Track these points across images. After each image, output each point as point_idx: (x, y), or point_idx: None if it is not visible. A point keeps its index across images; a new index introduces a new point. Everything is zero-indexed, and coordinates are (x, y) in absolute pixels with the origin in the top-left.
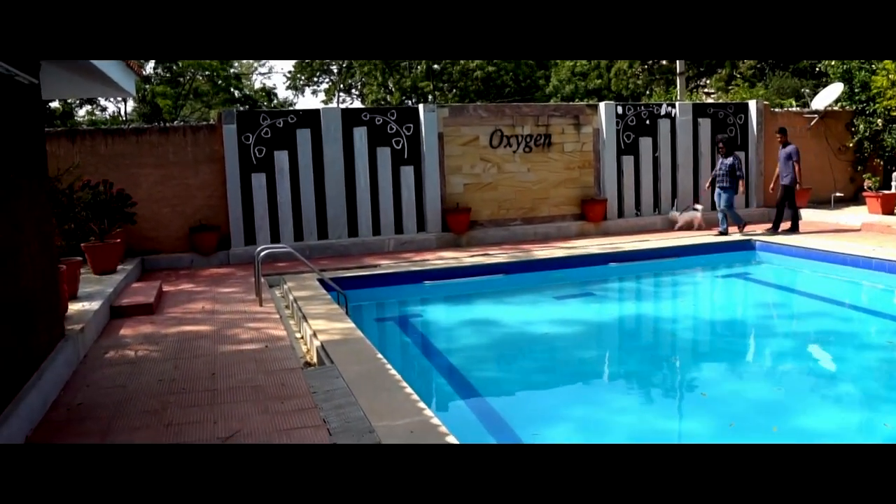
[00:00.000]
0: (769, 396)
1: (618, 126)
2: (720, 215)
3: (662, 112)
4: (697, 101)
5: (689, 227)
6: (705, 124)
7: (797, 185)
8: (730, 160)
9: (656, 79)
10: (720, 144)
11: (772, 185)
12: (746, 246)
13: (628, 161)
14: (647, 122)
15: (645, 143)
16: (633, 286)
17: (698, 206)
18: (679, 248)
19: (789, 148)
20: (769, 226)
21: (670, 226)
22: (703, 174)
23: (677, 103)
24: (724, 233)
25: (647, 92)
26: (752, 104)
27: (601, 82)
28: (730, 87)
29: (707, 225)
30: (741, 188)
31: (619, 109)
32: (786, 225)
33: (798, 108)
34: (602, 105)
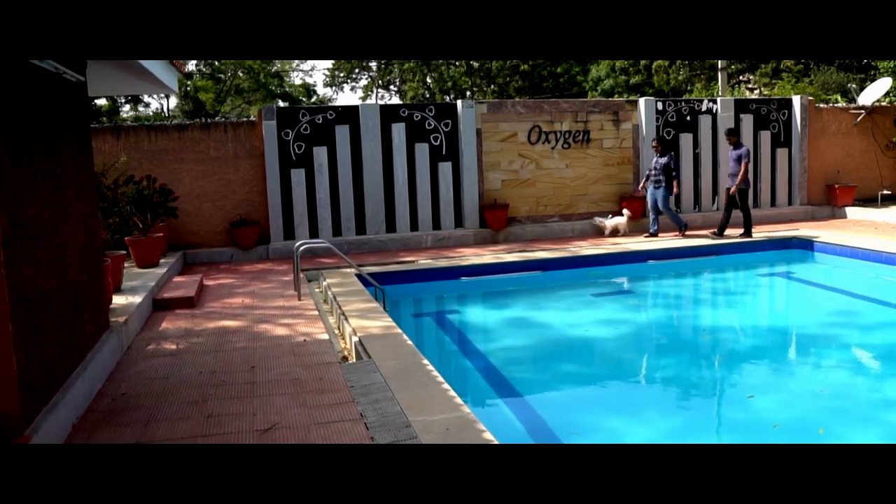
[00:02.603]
0: (815, 398)
1: (657, 122)
2: (651, 216)
3: (703, 108)
4: (739, 97)
5: (615, 233)
6: (747, 120)
7: (735, 186)
8: (664, 159)
9: (697, 74)
10: (654, 143)
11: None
12: (790, 244)
13: None
14: (688, 118)
15: (685, 140)
16: (672, 284)
17: (624, 212)
18: (720, 246)
19: (741, 150)
20: (816, 223)
21: (599, 233)
22: None
23: (719, 99)
24: (654, 235)
25: (688, 87)
26: (797, 100)
27: (640, 77)
28: (773, 83)
29: (634, 230)
30: (675, 188)
31: (659, 105)
32: (738, 229)
33: (844, 104)
34: (642, 101)
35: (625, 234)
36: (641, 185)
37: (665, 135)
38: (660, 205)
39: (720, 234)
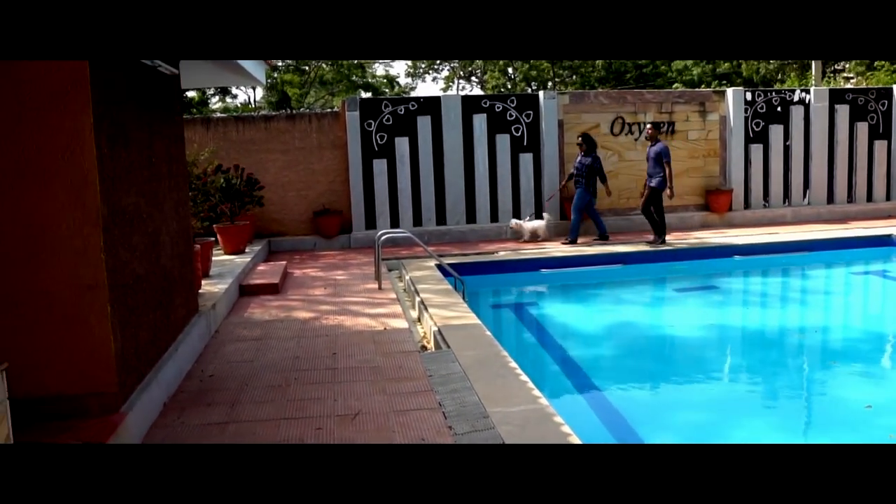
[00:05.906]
0: None
1: (746, 113)
2: (598, 220)
3: (795, 98)
4: (834, 87)
5: (534, 237)
6: (843, 111)
7: (668, 191)
8: (588, 159)
9: (789, 63)
10: (578, 140)
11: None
12: (885, 242)
13: (757, 150)
14: (779, 108)
15: (775, 131)
16: (759, 281)
17: (544, 215)
18: (810, 243)
19: (658, 146)
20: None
21: (515, 237)
22: (839, 164)
23: (812, 89)
24: (605, 238)
25: (780, 77)
26: None
27: (729, 66)
28: (869, 73)
29: (554, 234)
30: (608, 192)
31: (748, 96)
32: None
33: None
34: (729, 91)
35: (544, 240)
36: (563, 183)
37: (754, 126)
38: (573, 204)
39: (661, 241)
